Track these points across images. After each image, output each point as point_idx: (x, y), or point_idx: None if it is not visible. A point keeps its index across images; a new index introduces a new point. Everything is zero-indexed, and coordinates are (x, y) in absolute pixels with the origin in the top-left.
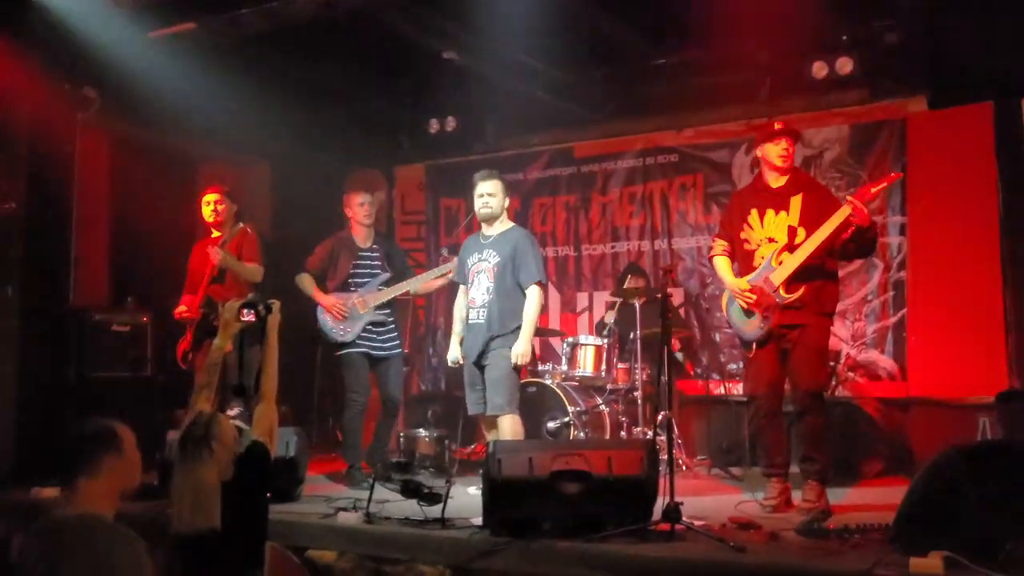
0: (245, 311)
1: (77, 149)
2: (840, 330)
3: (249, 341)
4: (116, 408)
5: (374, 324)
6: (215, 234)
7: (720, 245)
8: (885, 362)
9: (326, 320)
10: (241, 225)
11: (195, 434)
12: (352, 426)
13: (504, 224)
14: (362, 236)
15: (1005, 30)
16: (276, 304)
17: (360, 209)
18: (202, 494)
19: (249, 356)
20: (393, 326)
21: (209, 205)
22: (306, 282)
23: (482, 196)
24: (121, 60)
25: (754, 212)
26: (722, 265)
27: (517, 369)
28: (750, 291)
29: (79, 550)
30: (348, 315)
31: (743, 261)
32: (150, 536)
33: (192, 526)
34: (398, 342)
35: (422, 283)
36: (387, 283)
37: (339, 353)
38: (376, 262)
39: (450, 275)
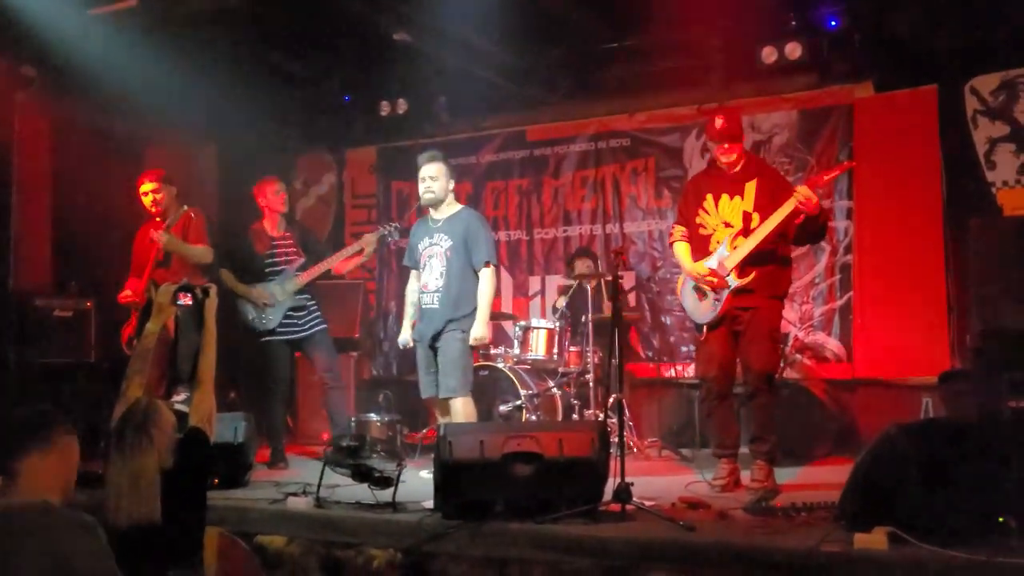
0: (182, 294)
1: (16, 129)
2: (788, 313)
3: (185, 326)
4: (59, 395)
5: (294, 309)
6: (159, 219)
7: (679, 231)
8: (832, 344)
9: (247, 309)
10: (186, 208)
11: (133, 422)
12: (273, 413)
13: (453, 207)
14: (273, 225)
15: (949, 14)
16: (213, 288)
17: (276, 198)
18: (142, 484)
19: (186, 341)
20: (315, 306)
21: (147, 196)
22: (227, 277)
23: (424, 180)
24: (62, 38)
25: (709, 197)
26: (682, 251)
27: (471, 351)
28: (710, 274)
29: (31, 539)
30: (270, 301)
31: (699, 245)
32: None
33: (131, 518)
34: (319, 318)
35: (337, 262)
36: (303, 267)
37: (260, 341)
38: (290, 248)
39: (366, 251)
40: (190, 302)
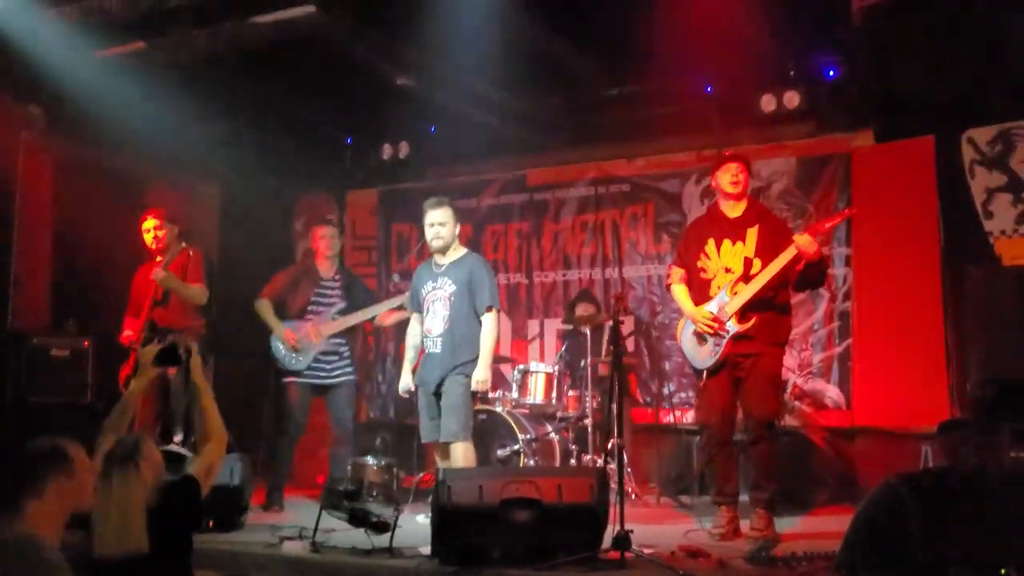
0: (167, 359)
1: (20, 167)
2: (787, 359)
3: (174, 384)
4: (53, 435)
5: (324, 354)
6: (159, 258)
7: (677, 273)
8: (831, 391)
9: (279, 347)
10: (184, 245)
11: (120, 453)
12: (281, 452)
13: (457, 251)
14: (326, 267)
15: (945, 65)
16: (194, 347)
17: (323, 242)
18: (129, 514)
19: (178, 380)
20: (346, 354)
21: (149, 232)
22: (264, 309)
23: (433, 226)
24: (68, 78)
25: (711, 241)
26: (681, 293)
27: (473, 396)
28: (712, 319)
29: (11, 574)
30: (300, 346)
31: (699, 290)
32: (78, 568)
33: (118, 549)
34: (349, 370)
35: (378, 313)
36: (341, 313)
37: (285, 380)
38: (336, 292)
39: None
40: (174, 373)
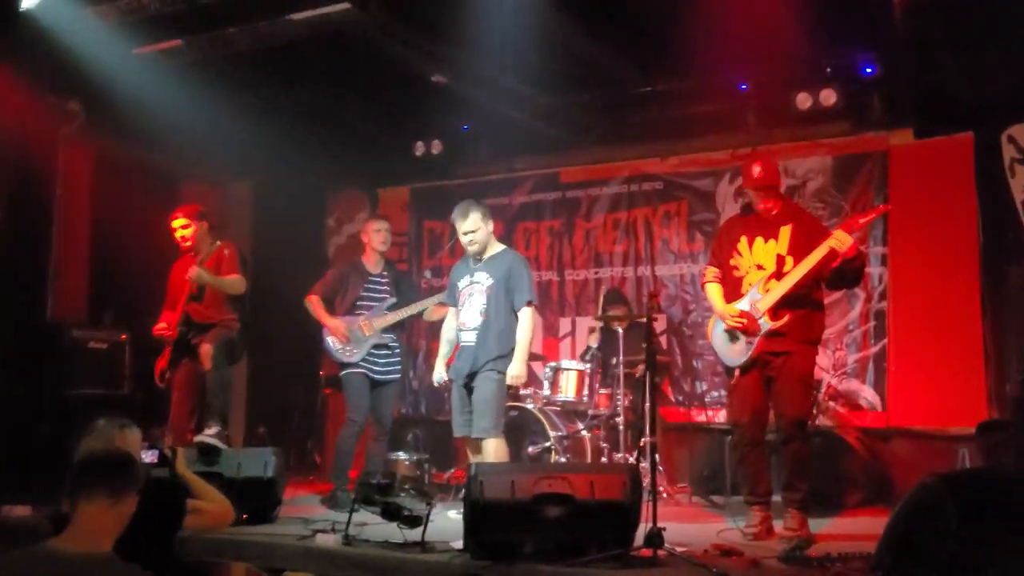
0: (148, 452)
1: (59, 163)
2: (821, 359)
3: (217, 362)
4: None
5: (378, 347)
6: (194, 254)
7: (712, 272)
8: (866, 392)
9: (331, 341)
10: (219, 243)
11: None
12: (346, 446)
13: (495, 247)
14: (373, 262)
15: (986, 62)
16: (179, 450)
17: (376, 236)
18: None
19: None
20: (397, 350)
21: (177, 232)
22: (314, 304)
23: (466, 235)
24: (107, 75)
25: (743, 239)
26: (714, 292)
27: (506, 392)
28: (740, 315)
29: None
30: (352, 338)
31: (731, 287)
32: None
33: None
34: (399, 367)
35: (428, 307)
36: (392, 308)
37: (342, 373)
38: (384, 287)
39: None
40: (156, 460)
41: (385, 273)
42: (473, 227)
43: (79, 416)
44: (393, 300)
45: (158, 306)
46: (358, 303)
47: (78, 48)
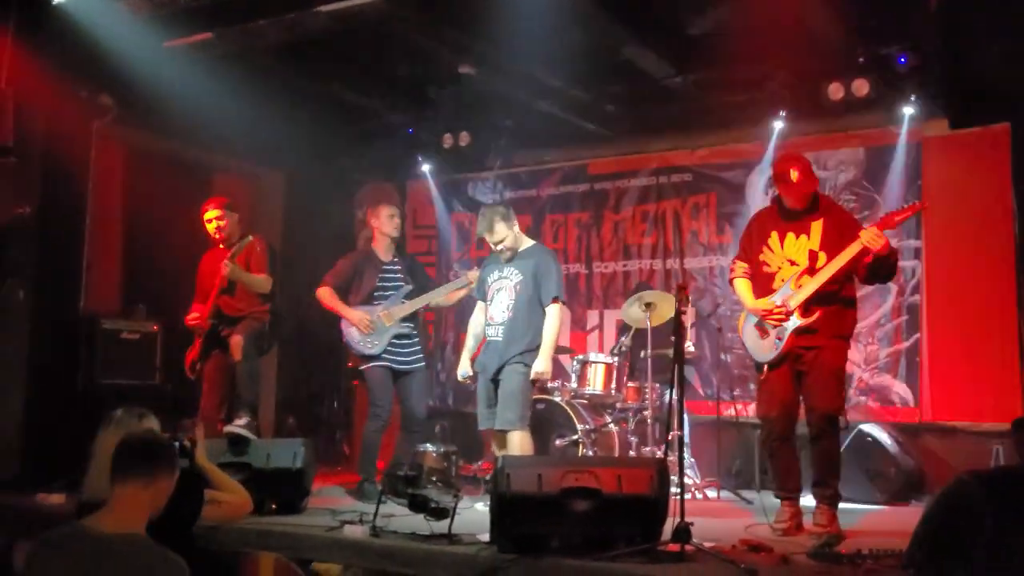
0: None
1: (92, 156)
2: (853, 354)
3: (248, 352)
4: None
5: (399, 337)
6: (223, 246)
7: (741, 267)
8: (898, 387)
9: (352, 333)
10: (251, 238)
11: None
12: (372, 439)
13: (524, 243)
14: (383, 250)
15: (1021, 52)
16: (195, 437)
17: (390, 221)
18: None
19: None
20: (417, 339)
21: (211, 223)
22: (329, 296)
23: (494, 245)
24: (138, 68)
25: (774, 235)
26: (743, 288)
27: (531, 386)
28: (775, 309)
29: (124, 571)
30: (374, 328)
31: (762, 283)
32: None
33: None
34: (421, 355)
35: (445, 294)
36: (409, 296)
37: (364, 367)
38: (399, 275)
39: (472, 286)
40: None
41: (397, 260)
42: (501, 237)
43: (112, 406)
44: (409, 287)
45: (189, 298)
46: (375, 293)
47: (109, 41)
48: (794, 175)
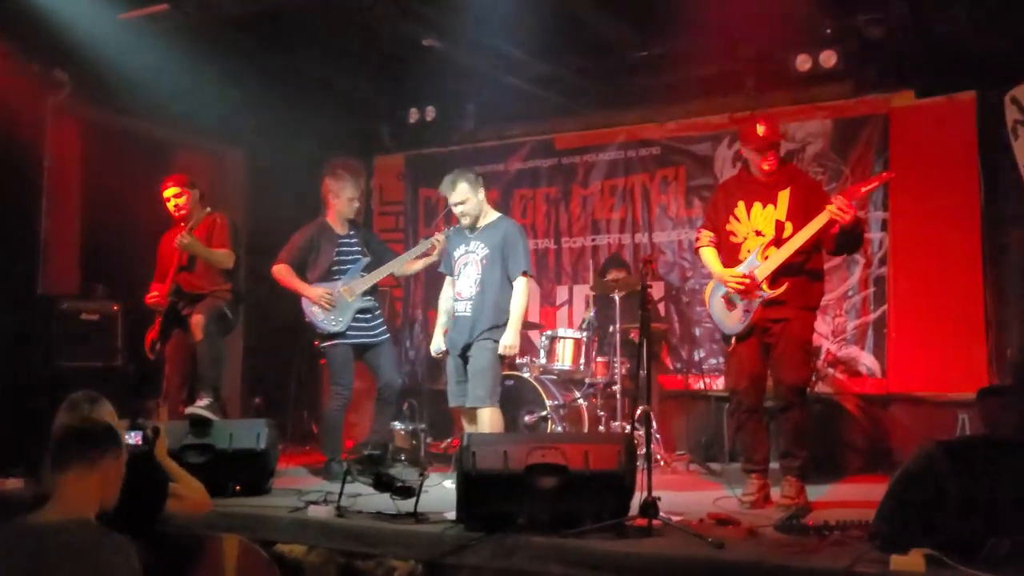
0: (133, 434)
1: (47, 133)
2: (820, 326)
3: (209, 332)
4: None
5: (362, 311)
6: (183, 224)
7: (706, 236)
8: (865, 358)
9: (315, 312)
10: (209, 210)
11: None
12: (335, 418)
13: (490, 215)
14: (338, 223)
15: (989, 21)
16: (161, 428)
17: (349, 205)
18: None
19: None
20: (380, 311)
21: (171, 201)
22: (286, 274)
23: (456, 206)
24: (93, 42)
25: (741, 204)
26: (710, 256)
27: (500, 361)
28: (742, 277)
29: (70, 557)
30: (336, 304)
31: (729, 254)
32: None
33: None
34: (385, 327)
35: (404, 262)
36: (368, 268)
37: (326, 344)
38: (355, 248)
39: (433, 254)
40: (140, 441)
41: (352, 233)
42: (462, 198)
43: (72, 389)
44: (367, 260)
45: (150, 277)
46: (333, 268)
47: (61, 15)
48: (760, 129)
